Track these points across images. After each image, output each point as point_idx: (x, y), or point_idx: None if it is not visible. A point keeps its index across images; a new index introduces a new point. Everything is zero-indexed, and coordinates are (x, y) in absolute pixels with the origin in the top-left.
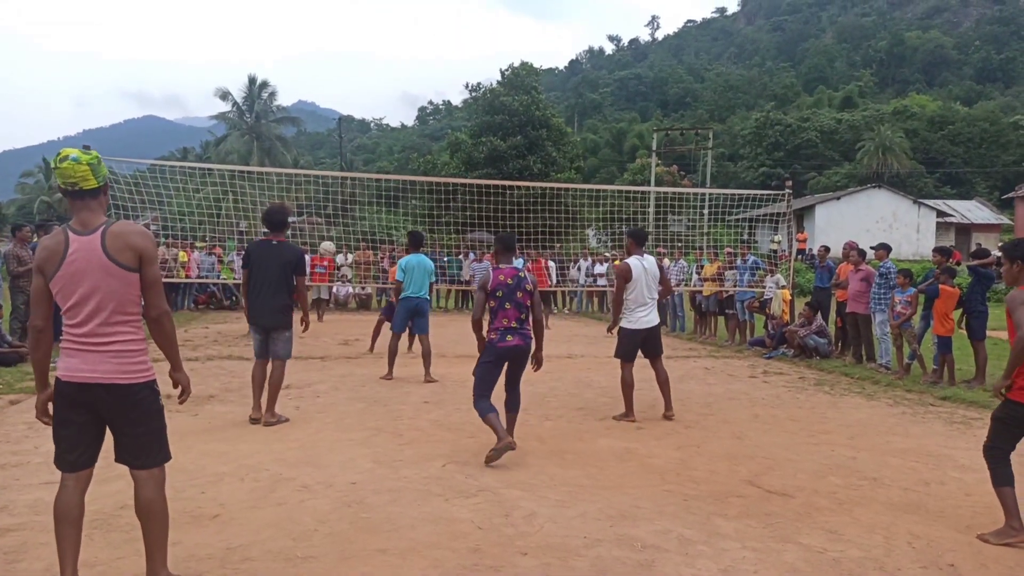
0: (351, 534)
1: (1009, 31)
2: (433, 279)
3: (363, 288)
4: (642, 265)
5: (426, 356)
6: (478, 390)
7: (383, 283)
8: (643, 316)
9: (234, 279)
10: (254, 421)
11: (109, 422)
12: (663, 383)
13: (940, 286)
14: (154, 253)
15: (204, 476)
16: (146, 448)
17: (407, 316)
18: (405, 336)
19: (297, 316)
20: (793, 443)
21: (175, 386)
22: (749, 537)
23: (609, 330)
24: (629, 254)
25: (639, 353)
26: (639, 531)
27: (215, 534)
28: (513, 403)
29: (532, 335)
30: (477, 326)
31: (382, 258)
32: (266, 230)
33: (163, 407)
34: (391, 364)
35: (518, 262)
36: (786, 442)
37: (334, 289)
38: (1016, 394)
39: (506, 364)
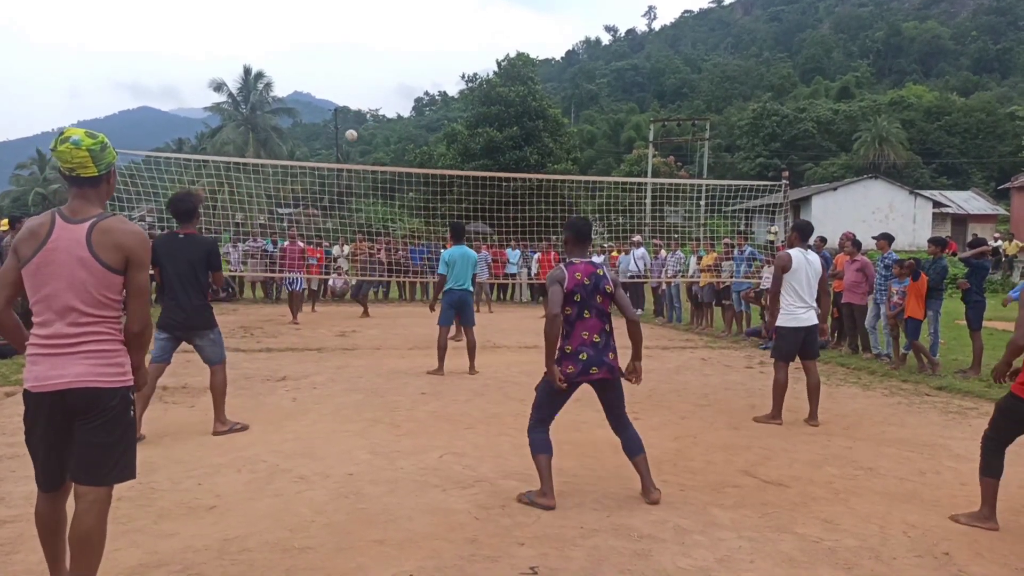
0: (348, 525)
1: (1006, 21)
2: (476, 270)
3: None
4: (804, 258)
5: (471, 348)
6: (538, 414)
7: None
8: (803, 313)
9: (229, 271)
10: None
11: (76, 430)
12: (813, 389)
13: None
14: (145, 259)
15: (201, 467)
16: (105, 460)
17: (452, 309)
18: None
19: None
20: (789, 433)
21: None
22: (745, 527)
23: (767, 331)
24: (791, 246)
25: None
26: (635, 521)
27: (212, 525)
28: (633, 443)
29: (616, 356)
30: (552, 338)
31: (378, 250)
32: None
33: (134, 420)
34: (441, 360)
35: (514, 254)
36: (782, 432)
37: (330, 281)
38: (1018, 388)
39: (595, 393)
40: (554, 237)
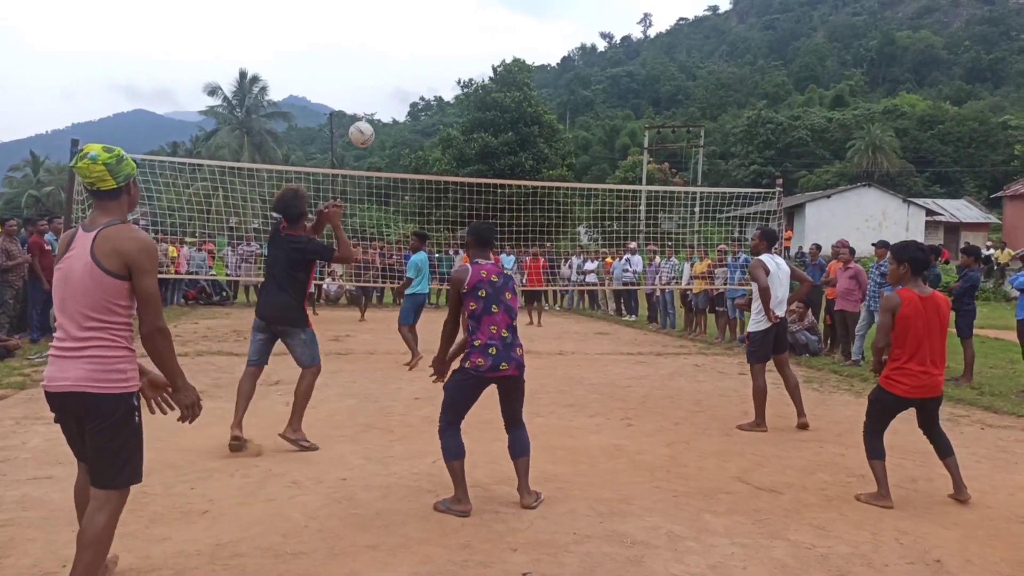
0: (341, 530)
1: (999, 31)
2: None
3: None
4: (775, 264)
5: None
6: (447, 415)
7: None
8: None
9: (226, 275)
10: (234, 443)
11: (83, 432)
12: (793, 389)
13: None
14: (147, 265)
15: (193, 471)
16: (108, 464)
17: (416, 310)
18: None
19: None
20: (782, 440)
21: (178, 405)
22: (738, 533)
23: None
24: (757, 253)
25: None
26: (628, 527)
27: (204, 530)
28: (519, 445)
29: (523, 352)
30: (448, 336)
31: (372, 255)
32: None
33: (139, 425)
34: (414, 349)
35: (508, 260)
36: (775, 439)
37: (324, 285)
38: (883, 381)
39: (497, 393)
40: (548, 244)
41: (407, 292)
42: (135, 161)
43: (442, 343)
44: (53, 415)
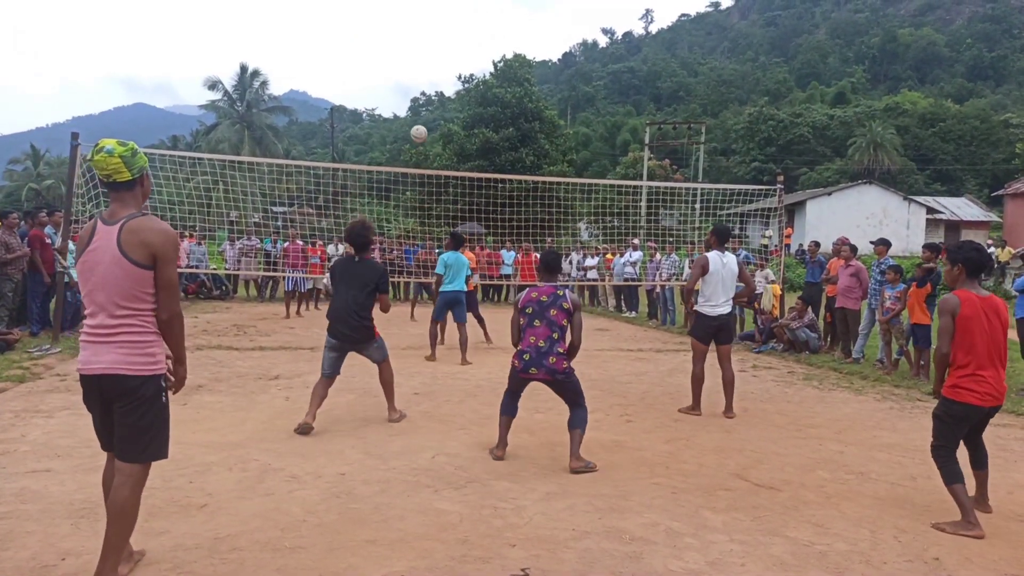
0: (339, 525)
1: (1000, 29)
2: (468, 273)
3: None
4: (720, 261)
5: (463, 342)
6: (503, 400)
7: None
8: (716, 309)
9: (225, 269)
10: (302, 427)
11: (114, 412)
12: (728, 383)
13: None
14: (171, 254)
15: (192, 466)
16: (135, 440)
17: (445, 307)
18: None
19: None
20: (781, 437)
21: (175, 376)
22: (737, 530)
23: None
24: (709, 249)
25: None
26: (627, 523)
27: (203, 524)
28: (573, 419)
29: (565, 363)
30: (512, 341)
31: (373, 249)
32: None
33: (167, 404)
34: (433, 347)
35: (509, 256)
36: (774, 436)
37: (325, 280)
38: (948, 391)
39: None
40: (550, 239)
41: (440, 289)
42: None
43: (515, 343)
44: (84, 402)
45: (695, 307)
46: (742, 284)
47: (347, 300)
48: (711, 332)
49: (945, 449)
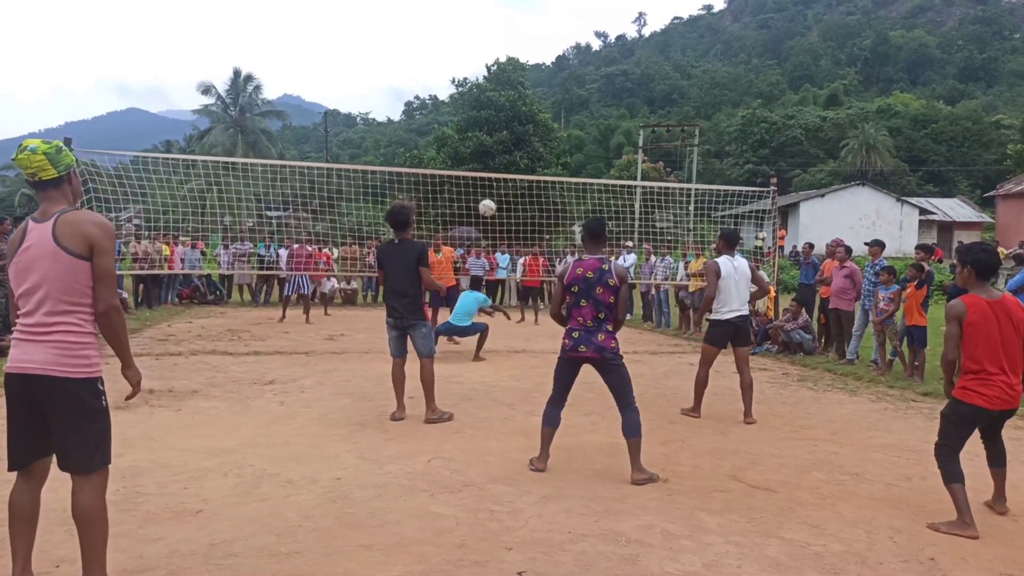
0: (335, 530)
1: (991, 31)
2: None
3: (348, 283)
4: (732, 265)
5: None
6: (553, 390)
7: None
8: (732, 313)
9: (219, 273)
10: (395, 417)
11: (48, 417)
12: (746, 387)
13: (909, 283)
14: (107, 245)
15: (187, 471)
16: (76, 450)
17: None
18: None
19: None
20: (776, 438)
21: (128, 382)
22: (732, 531)
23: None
24: (719, 254)
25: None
26: (623, 526)
27: (198, 530)
28: (629, 427)
29: (613, 341)
30: (558, 320)
31: (368, 253)
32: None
33: (106, 408)
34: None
35: (504, 259)
36: (769, 437)
37: (331, 284)
38: (958, 392)
39: (598, 373)
40: (547, 240)
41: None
42: (131, 157)
43: (554, 316)
44: (7, 406)
45: (709, 316)
46: (755, 286)
47: (393, 280)
48: (727, 335)
49: (948, 448)
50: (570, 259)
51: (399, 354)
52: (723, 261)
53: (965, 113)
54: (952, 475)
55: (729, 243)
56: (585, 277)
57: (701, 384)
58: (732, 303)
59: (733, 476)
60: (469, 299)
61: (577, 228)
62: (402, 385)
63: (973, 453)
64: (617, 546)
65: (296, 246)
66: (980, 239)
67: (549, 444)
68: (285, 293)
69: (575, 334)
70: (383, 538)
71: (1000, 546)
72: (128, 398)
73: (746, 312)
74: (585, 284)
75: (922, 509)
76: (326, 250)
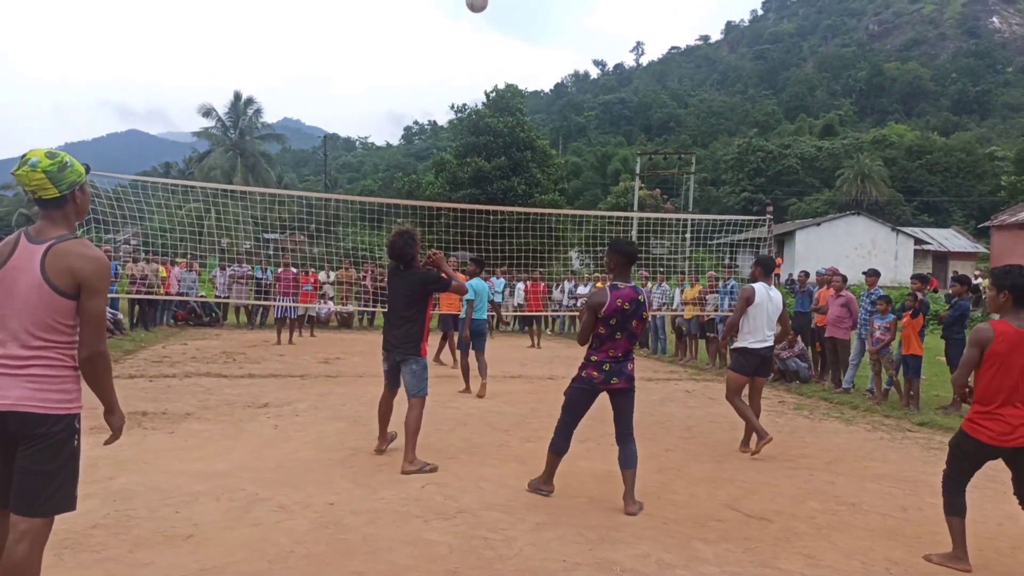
0: (328, 556)
1: (984, 64)
2: (491, 297)
3: (344, 306)
4: (767, 293)
5: (482, 370)
6: (564, 418)
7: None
8: (759, 342)
9: (215, 296)
10: (378, 451)
11: (16, 456)
12: (755, 413)
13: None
14: (100, 285)
15: (179, 495)
16: (40, 488)
17: (473, 336)
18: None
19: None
20: (772, 467)
21: (110, 427)
22: (728, 562)
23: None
24: (753, 280)
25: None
26: (618, 555)
27: (188, 555)
28: (627, 458)
29: (633, 366)
30: (583, 344)
31: (364, 277)
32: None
33: (78, 451)
34: (467, 379)
35: (499, 283)
36: (765, 466)
37: (317, 307)
38: (966, 424)
39: (610, 403)
40: (544, 268)
41: (460, 318)
42: (129, 180)
43: (583, 343)
44: None
45: (734, 344)
46: (779, 326)
47: (391, 308)
48: (754, 365)
49: (952, 480)
50: (601, 286)
51: (391, 386)
52: (759, 288)
53: (959, 144)
54: (951, 507)
55: (766, 270)
56: (623, 309)
57: (742, 410)
58: (762, 332)
59: (729, 505)
60: (485, 290)
61: (574, 255)
62: (387, 419)
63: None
64: (612, 575)
65: (281, 270)
66: (975, 269)
67: (555, 471)
68: (276, 316)
69: (606, 367)
70: (375, 565)
71: None
72: (107, 442)
73: (771, 343)
74: (622, 316)
75: (918, 540)
76: (314, 271)
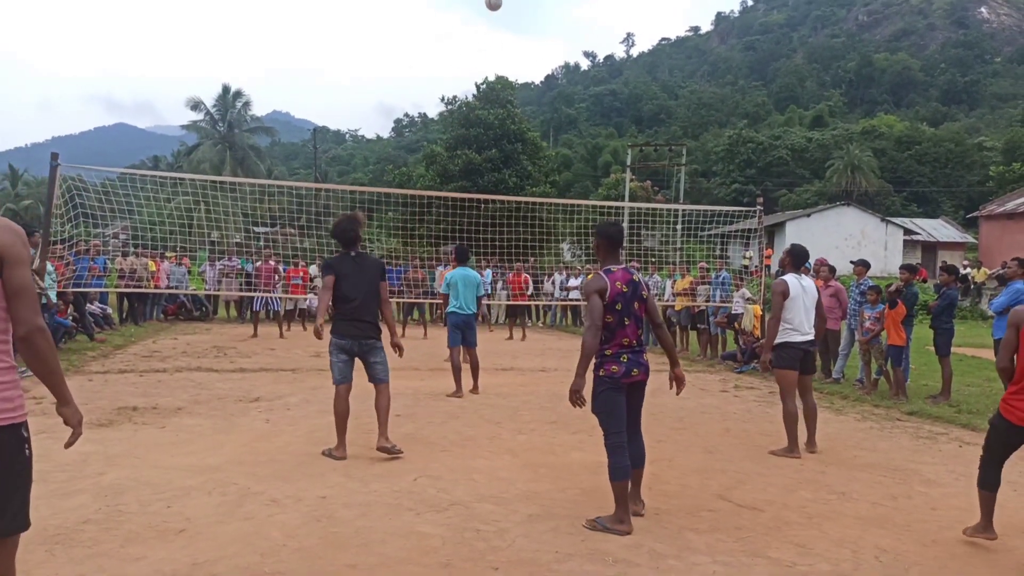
0: (320, 549)
1: (973, 55)
2: (481, 292)
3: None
4: (800, 285)
5: (474, 368)
6: (613, 428)
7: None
8: (800, 336)
9: (204, 290)
10: (337, 458)
11: None
12: (811, 413)
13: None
14: (20, 253)
15: (171, 490)
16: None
17: (458, 330)
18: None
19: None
20: (763, 457)
21: (66, 423)
22: (720, 551)
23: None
24: (783, 272)
25: None
26: (610, 545)
27: (181, 549)
28: (636, 455)
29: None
30: (590, 350)
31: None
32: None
33: (30, 458)
34: (458, 381)
35: (486, 274)
36: (756, 456)
37: (307, 301)
38: (1001, 403)
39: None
40: (532, 259)
41: (447, 311)
42: (117, 173)
43: (582, 360)
44: None
45: (776, 340)
46: (817, 318)
47: (354, 296)
48: (798, 359)
49: (986, 457)
50: (601, 273)
51: (344, 380)
52: (791, 280)
53: (948, 135)
54: (982, 480)
55: (797, 260)
56: (623, 293)
57: (792, 419)
58: (803, 325)
59: (720, 495)
60: (470, 281)
61: (565, 247)
62: (346, 420)
63: (958, 473)
64: (604, 566)
65: (260, 263)
66: (964, 259)
67: (627, 496)
68: (254, 309)
69: (624, 358)
70: (368, 558)
71: (985, 566)
72: (68, 444)
73: (813, 337)
74: (625, 300)
75: (907, 528)
76: (303, 265)
